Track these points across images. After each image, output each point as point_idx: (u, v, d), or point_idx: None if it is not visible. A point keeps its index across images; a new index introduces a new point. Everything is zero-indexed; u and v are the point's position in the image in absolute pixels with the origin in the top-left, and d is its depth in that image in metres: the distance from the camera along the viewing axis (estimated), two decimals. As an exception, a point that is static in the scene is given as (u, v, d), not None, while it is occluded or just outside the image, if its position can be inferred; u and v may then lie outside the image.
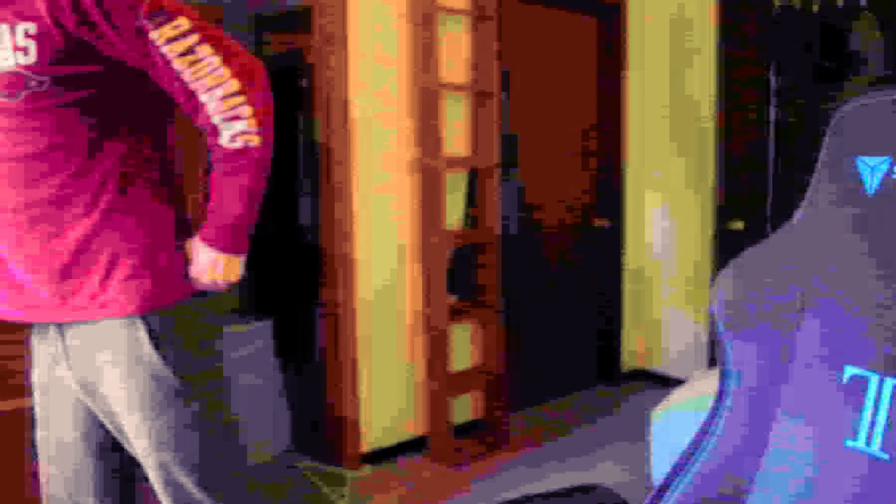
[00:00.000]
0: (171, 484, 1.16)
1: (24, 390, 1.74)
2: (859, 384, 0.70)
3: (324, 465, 2.68)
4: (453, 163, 2.87)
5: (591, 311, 3.70)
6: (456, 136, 2.91)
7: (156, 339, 1.12)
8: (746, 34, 3.23)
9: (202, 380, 1.18)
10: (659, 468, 2.29)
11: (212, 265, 1.16)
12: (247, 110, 1.09)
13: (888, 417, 0.67)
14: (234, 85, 1.08)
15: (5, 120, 1.07)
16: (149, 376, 1.11)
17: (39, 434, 1.26)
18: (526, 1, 3.21)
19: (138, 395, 1.12)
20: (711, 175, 3.40)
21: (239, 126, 1.09)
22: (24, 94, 1.05)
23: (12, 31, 1.05)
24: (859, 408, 0.70)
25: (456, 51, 2.88)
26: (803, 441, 0.74)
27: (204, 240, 1.16)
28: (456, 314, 2.88)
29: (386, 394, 2.79)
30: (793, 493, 0.74)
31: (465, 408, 3.03)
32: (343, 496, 2.48)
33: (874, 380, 0.69)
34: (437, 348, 2.79)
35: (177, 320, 1.16)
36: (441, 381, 2.78)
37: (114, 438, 1.21)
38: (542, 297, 3.44)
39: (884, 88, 0.74)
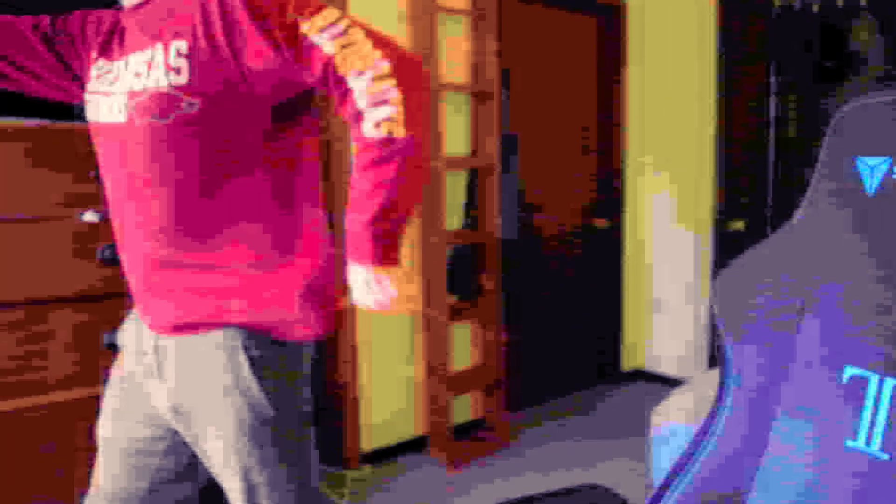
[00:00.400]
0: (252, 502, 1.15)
1: (24, 390, 1.74)
2: (859, 384, 0.70)
3: (324, 465, 2.68)
4: (453, 163, 2.87)
5: (591, 312, 3.70)
6: (456, 136, 2.91)
7: (255, 366, 1.08)
8: (746, 34, 3.23)
9: (293, 409, 1.15)
10: (659, 468, 2.29)
11: (365, 284, 1.06)
12: (396, 95, 0.99)
13: (888, 417, 0.67)
14: (385, 68, 0.99)
15: (156, 142, 1.04)
16: (244, 402, 1.08)
17: (111, 426, 1.22)
18: (526, 1, 3.21)
19: (228, 418, 1.09)
20: (711, 175, 3.40)
21: (385, 111, 0.99)
22: (174, 116, 1.02)
23: (166, 50, 1.02)
24: (859, 408, 0.70)
25: (456, 51, 2.88)
26: (803, 441, 0.74)
27: (349, 255, 1.07)
28: (456, 314, 2.88)
29: (386, 394, 2.79)
30: (793, 493, 0.74)
31: (465, 408, 3.03)
32: (343, 496, 2.48)
33: (874, 380, 0.69)
34: (437, 348, 2.79)
35: (278, 351, 1.12)
36: (441, 381, 2.78)
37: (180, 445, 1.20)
38: (542, 296, 3.44)
39: (884, 88, 0.74)
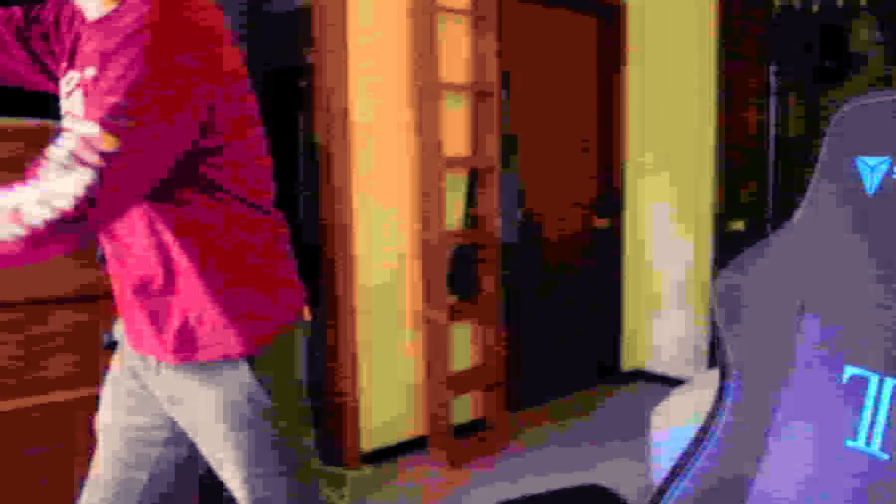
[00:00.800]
0: (253, 493, 1.15)
1: (24, 390, 1.74)
2: (859, 384, 0.70)
3: (324, 465, 2.68)
4: (453, 163, 2.87)
5: (591, 311, 3.70)
6: (456, 136, 2.91)
7: (253, 366, 1.10)
8: (746, 34, 3.23)
9: (290, 401, 1.16)
10: (659, 468, 2.29)
11: None
12: (21, 227, 0.87)
13: (888, 417, 0.67)
14: (61, 201, 0.87)
15: None
16: (242, 396, 1.10)
17: (111, 414, 1.23)
18: (526, 1, 3.21)
19: (227, 412, 1.10)
20: (711, 175, 3.40)
21: (35, 211, 0.87)
22: None
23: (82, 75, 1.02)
24: (859, 408, 0.70)
25: (456, 51, 2.88)
26: (803, 441, 0.74)
27: None
28: (456, 314, 2.88)
29: (386, 394, 2.79)
30: (793, 492, 0.74)
31: (465, 408, 3.03)
32: (343, 496, 2.48)
33: (874, 380, 0.69)
34: (436, 348, 2.78)
35: (275, 347, 1.13)
36: (441, 381, 2.78)
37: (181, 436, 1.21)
38: (542, 296, 3.44)
39: (884, 88, 0.74)
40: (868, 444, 0.68)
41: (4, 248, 0.89)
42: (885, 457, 0.67)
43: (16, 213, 0.88)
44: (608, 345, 3.78)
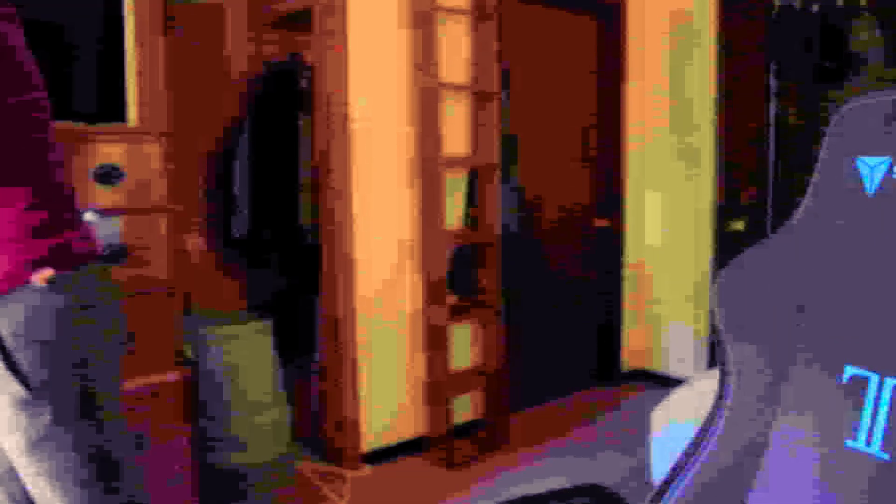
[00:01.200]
0: (40, 488, 1.11)
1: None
2: (859, 384, 0.70)
3: (324, 465, 2.68)
4: (453, 163, 2.87)
5: (590, 311, 3.70)
6: (456, 136, 2.91)
7: (3, 347, 1.04)
8: (746, 34, 3.23)
9: (59, 384, 1.08)
10: (659, 468, 2.29)
11: None
12: None
13: (888, 417, 0.67)
14: None
15: None
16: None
17: None
18: (526, 1, 3.21)
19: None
20: (711, 175, 3.40)
21: None
22: None
23: None
24: (859, 408, 0.69)
25: (456, 51, 2.88)
26: (803, 441, 0.74)
27: None
28: (456, 314, 2.88)
29: (386, 394, 2.79)
30: (793, 493, 0.74)
31: (464, 408, 3.03)
32: (343, 496, 2.48)
33: (874, 380, 0.69)
34: (437, 348, 2.78)
35: (27, 323, 1.06)
36: (441, 380, 2.78)
37: None
38: (542, 296, 3.44)
39: (884, 88, 0.74)
40: (868, 444, 0.68)
41: None
42: (885, 457, 0.67)
43: None
44: (608, 345, 3.78)
